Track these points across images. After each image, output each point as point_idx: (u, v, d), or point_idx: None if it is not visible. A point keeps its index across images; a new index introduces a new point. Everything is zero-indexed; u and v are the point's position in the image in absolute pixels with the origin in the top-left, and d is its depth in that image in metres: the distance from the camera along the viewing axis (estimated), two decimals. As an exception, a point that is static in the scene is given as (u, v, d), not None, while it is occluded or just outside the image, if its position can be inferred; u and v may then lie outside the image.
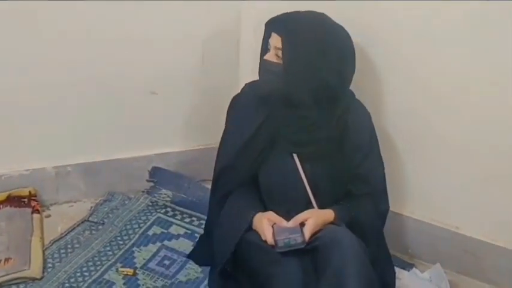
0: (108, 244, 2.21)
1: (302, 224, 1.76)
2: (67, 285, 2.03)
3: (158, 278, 2.08)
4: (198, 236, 2.24)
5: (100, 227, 2.29)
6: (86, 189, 2.43)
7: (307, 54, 1.74)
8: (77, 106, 2.31)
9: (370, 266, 1.67)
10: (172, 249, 2.20)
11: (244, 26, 2.37)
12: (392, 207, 2.00)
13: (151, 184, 2.49)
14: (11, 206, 2.31)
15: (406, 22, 2.00)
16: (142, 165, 2.48)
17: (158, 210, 2.38)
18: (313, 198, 1.87)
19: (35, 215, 2.29)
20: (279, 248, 1.71)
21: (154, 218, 2.35)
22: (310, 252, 1.71)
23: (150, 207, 2.40)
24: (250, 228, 1.82)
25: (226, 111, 2.00)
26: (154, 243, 2.23)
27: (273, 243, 1.73)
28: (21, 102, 2.24)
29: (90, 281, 2.05)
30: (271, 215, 1.82)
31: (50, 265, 2.11)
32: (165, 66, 2.35)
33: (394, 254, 2.06)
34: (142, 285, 2.05)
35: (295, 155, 1.86)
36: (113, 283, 2.05)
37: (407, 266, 2.17)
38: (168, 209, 2.39)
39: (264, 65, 1.81)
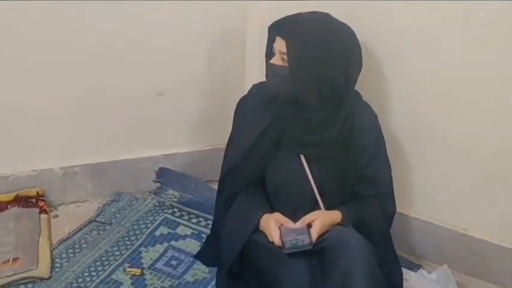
0: (115, 244, 2.21)
1: (309, 225, 1.76)
2: (75, 285, 2.04)
3: (166, 278, 2.08)
4: (205, 236, 2.24)
5: (107, 227, 2.30)
6: (93, 190, 2.44)
7: (312, 57, 1.74)
8: (85, 107, 2.31)
9: (378, 267, 1.67)
10: (179, 250, 2.20)
11: (250, 27, 2.37)
12: (399, 208, 2.00)
13: (158, 185, 2.49)
14: (18, 206, 2.32)
15: (411, 23, 2.00)
16: (149, 165, 2.48)
17: (165, 211, 2.39)
18: (320, 199, 1.87)
19: (43, 215, 2.30)
20: (286, 249, 1.71)
21: (161, 218, 2.35)
22: (317, 253, 1.71)
23: (157, 208, 2.40)
24: (257, 229, 1.82)
25: (232, 112, 2.00)
26: (161, 243, 2.23)
27: (280, 244, 1.73)
28: (29, 103, 2.25)
29: (97, 281, 2.06)
30: (278, 216, 1.82)
31: (57, 265, 2.12)
32: (171, 67, 2.35)
33: (401, 255, 2.05)
34: (150, 285, 2.05)
35: (302, 156, 1.86)
36: (121, 283, 2.05)
37: (414, 267, 2.16)
38: (175, 210, 2.40)
39: (270, 69, 1.81)
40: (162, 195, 2.45)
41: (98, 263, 2.13)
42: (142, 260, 2.15)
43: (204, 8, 2.30)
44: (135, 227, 2.30)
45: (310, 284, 1.65)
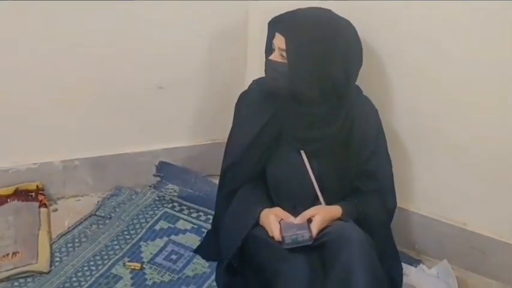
0: (115, 238, 2.21)
1: (309, 220, 1.76)
2: (74, 279, 2.04)
3: (165, 273, 2.08)
4: (205, 231, 2.24)
5: (107, 221, 2.30)
6: (93, 184, 2.44)
7: (312, 54, 1.73)
8: (85, 101, 2.31)
9: (378, 262, 1.67)
10: (179, 244, 2.20)
11: (252, 22, 2.36)
12: (400, 203, 2.00)
13: (158, 179, 2.49)
14: (18, 200, 2.32)
15: (412, 19, 1.99)
16: (150, 160, 2.48)
17: (165, 205, 2.39)
18: (320, 194, 1.87)
19: (42, 209, 2.30)
20: (286, 245, 1.71)
21: (161, 212, 2.35)
22: (318, 248, 1.71)
23: (157, 202, 2.40)
24: (257, 223, 1.82)
25: (233, 107, 2.00)
26: (161, 237, 2.23)
27: (280, 239, 1.73)
28: (29, 97, 2.24)
29: (97, 275, 2.06)
30: (278, 210, 1.82)
31: (57, 259, 2.12)
32: (172, 61, 2.35)
33: (401, 250, 2.05)
34: (150, 279, 2.05)
35: (302, 152, 1.86)
36: (120, 277, 2.05)
37: (414, 262, 2.16)
38: (175, 204, 2.40)
39: (269, 65, 1.80)
40: (162, 190, 2.45)
41: (98, 257, 2.13)
42: (142, 255, 2.15)
43: (206, 4, 2.29)
44: (135, 221, 2.30)
45: (310, 279, 1.65)
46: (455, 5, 1.90)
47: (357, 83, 1.88)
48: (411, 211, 2.23)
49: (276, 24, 1.79)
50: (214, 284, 2.03)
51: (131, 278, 2.05)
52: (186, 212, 2.36)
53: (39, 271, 2.05)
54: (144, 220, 2.31)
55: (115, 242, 2.20)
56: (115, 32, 2.23)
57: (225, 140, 2.02)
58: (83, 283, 2.02)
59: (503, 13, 1.84)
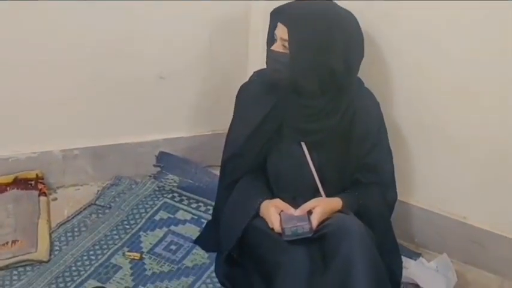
0: (115, 228, 2.21)
1: (309, 212, 1.76)
2: (74, 268, 2.04)
3: (165, 263, 2.08)
4: (204, 221, 2.24)
5: (107, 210, 2.30)
6: (93, 173, 2.44)
7: (314, 44, 1.72)
8: (85, 90, 2.30)
9: (378, 254, 1.67)
10: (179, 235, 2.20)
11: (254, 12, 2.35)
12: (400, 196, 2.00)
13: (158, 169, 2.48)
14: (18, 189, 2.32)
15: (415, 12, 1.98)
16: (150, 150, 2.47)
17: (165, 195, 2.38)
18: (320, 186, 1.87)
19: (42, 198, 2.29)
20: (286, 237, 1.71)
21: (161, 203, 2.35)
22: (318, 240, 1.71)
23: (156, 192, 2.40)
24: (257, 215, 1.82)
25: (234, 98, 1.99)
26: (161, 228, 2.23)
27: (280, 231, 1.73)
28: (29, 86, 2.23)
29: (96, 264, 2.06)
30: (278, 202, 1.81)
31: (56, 248, 2.12)
32: (173, 51, 2.34)
33: (400, 243, 2.05)
34: (149, 269, 2.05)
35: (303, 143, 1.86)
36: (120, 267, 2.05)
37: (414, 255, 2.16)
38: (175, 194, 2.39)
39: (271, 55, 1.79)
40: (162, 180, 2.45)
41: (97, 247, 2.13)
42: (142, 245, 2.15)
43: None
44: (135, 211, 2.30)
45: (310, 271, 1.65)
46: (458, 2, 1.89)
47: (359, 75, 1.87)
48: (411, 204, 2.23)
49: (278, 15, 1.78)
50: (214, 274, 2.03)
51: (131, 268, 2.05)
52: (185, 202, 2.36)
53: (39, 260, 2.05)
54: (143, 210, 2.31)
55: (114, 232, 2.20)
56: (116, 22, 2.22)
57: (226, 131, 2.02)
58: (82, 272, 2.03)
59: (503, 13, 1.83)
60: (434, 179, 2.18)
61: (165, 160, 2.49)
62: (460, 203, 2.16)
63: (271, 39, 1.82)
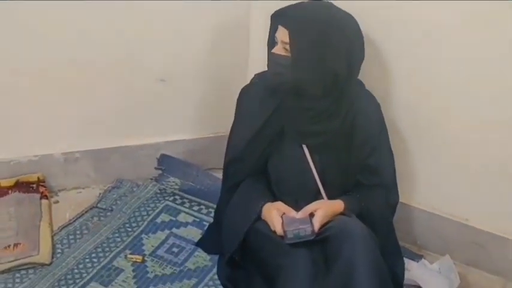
0: (116, 231, 2.21)
1: (311, 215, 1.76)
2: (76, 271, 2.04)
3: (167, 266, 2.08)
4: (206, 224, 2.24)
5: (108, 213, 2.30)
6: (94, 176, 2.44)
7: (315, 47, 1.72)
8: (87, 93, 2.30)
9: (381, 256, 1.67)
10: (180, 237, 2.20)
11: (254, 14, 2.35)
12: (402, 198, 2.00)
13: (160, 172, 2.48)
14: (19, 192, 2.32)
15: (415, 13, 1.98)
16: (151, 152, 2.47)
17: (166, 198, 2.38)
18: (322, 189, 1.87)
19: (44, 201, 2.29)
20: (288, 240, 1.70)
21: (162, 205, 2.35)
22: (320, 243, 1.71)
23: (158, 195, 2.40)
24: (259, 218, 1.82)
25: (235, 100, 1.99)
26: (162, 230, 2.23)
27: (282, 233, 1.73)
28: (31, 88, 2.23)
29: (99, 267, 2.06)
30: (280, 205, 1.81)
31: (58, 251, 2.12)
32: (174, 53, 2.34)
33: (403, 245, 2.05)
34: (151, 272, 2.05)
35: (304, 146, 1.86)
36: (122, 270, 2.05)
37: (416, 257, 2.16)
38: (177, 197, 2.39)
39: (272, 58, 1.79)
40: (163, 182, 2.45)
41: (99, 250, 2.13)
42: (144, 247, 2.15)
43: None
44: (137, 213, 2.30)
45: (312, 274, 1.65)
46: (457, 2, 1.89)
47: (359, 77, 1.87)
48: (413, 206, 2.23)
49: (279, 17, 1.78)
50: (216, 277, 2.03)
51: (133, 271, 2.05)
52: (187, 205, 2.36)
53: (41, 263, 2.05)
54: (145, 213, 2.31)
55: (116, 235, 2.20)
56: (117, 25, 2.22)
57: (227, 134, 2.02)
58: (84, 275, 2.03)
59: (504, 11, 1.83)
60: (436, 181, 2.18)
61: (166, 163, 2.49)
62: (462, 205, 2.16)
63: (272, 42, 1.82)
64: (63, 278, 2.01)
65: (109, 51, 2.25)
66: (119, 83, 2.32)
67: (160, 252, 2.14)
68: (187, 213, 2.32)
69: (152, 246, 2.16)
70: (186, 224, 2.27)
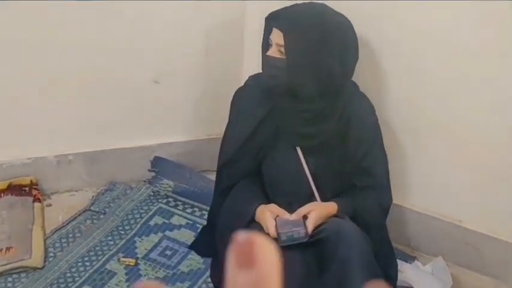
0: (109, 234, 2.21)
1: (305, 217, 1.76)
2: (68, 274, 2.04)
3: (160, 269, 2.08)
4: (199, 226, 2.24)
5: (101, 216, 2.29)
6: (87, 179, 2.43)
7: (310, 48, 1.72)
8: (80, 95, 2.30)
9: (374, 258, 1.67)
10: (174, 240, 2.20)
11: (249, 15, 2.35)
12: (395, 200, 2.00)
13: (153, 174, 2.48)
14: (12, 195, 2.31)
15: (409, 14, 1.99)
16: (144, 155, 2.47)
17: (160, 200, 2.38)
18: (316, 191, 1.87)
19: (36, 204, 2.28)
20: (281, 242, 1.70)
21: (156, 208, 2.34)
22: (313, 245, 1.71)
23: (151, 197, 2.39)
24: (253, 220, 1.82)
25: (229, 102, 1.98)
26: (156, 233, 2.22)
27: (275, 236, 1.72)
28: (23, 91, 2.22)
29: (91, 270, 2.05)
30: (274, 207, 1.81)
31: (51, 254, 2.11)
32: (168, 55, 2.33)
33: (396, 247, 2.05)
34: (144, 275, 2.05)
35: (298, 148, 1.85)
36: (115, 273, 2.05)
37: (409, 259, 2.17)
38: (170, 199, 2.39)
39: (267, 61, 1.79)
40: (157, 185, 2.44)
41: (92, 253, 2.12)
42: (137, 250, 2.15)
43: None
44: (130, 216, 2.29)
45: (306, 276, 1.65)
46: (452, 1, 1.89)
47: (354, 79, 1.87)
48: (406, 208, 2.23)
49: (273, 20, 1.78)
50: (209, 280, 2.02)
51: (126, 274, 2.05)
52: (180, 207, 2.36)
53: (33, 267, 2.04)
54: (138, 215, 2.30)
55: (109, 238, 2.19)
56: (110, 26, 2.21)
57: (221, 136, 2.01)
58: (77, 279, 2.02)
59: (500, 9, 1.83)
60: (429, 182, 2.18)
61: (159, 165, 2.48)
62: (455, 206, 2.16)
63: (266, 45, 1.82)
64: (55, 281, 2.00)
65: (102, 54, 2.24)
66: (113, 85, 2.32)
67: (153, 255, 2.13)
68: (180, 215, 2.32)
69: (145, 249, 2.16)
70: (179, 227, 2.26)
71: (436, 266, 2.12)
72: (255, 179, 1.92)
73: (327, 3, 1.82)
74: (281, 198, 1.86)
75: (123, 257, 2.11)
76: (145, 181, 2.47)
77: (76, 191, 2.43)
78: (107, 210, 2.31)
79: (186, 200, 2.39)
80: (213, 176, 2.07)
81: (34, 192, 2.32)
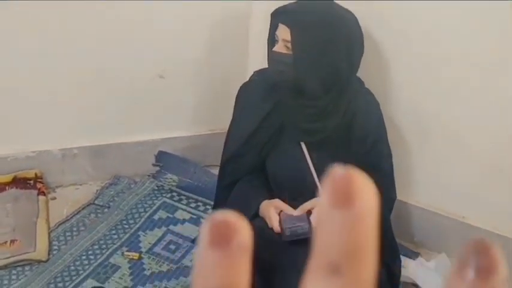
0: (113, 228, 2.21)
1: (309, 212, 1.76)
2: (72, 268, 2.04)
3: (164, 263, 2.08)
4: (203, 221, 2.24)
5: (106, 210, 2.29)
6: (92, 172, 2.43)
7: (317, 44, 1.72)
8: (85, 89, 2.30)
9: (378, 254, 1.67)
10: (177, 234, 2.20)
11: (255, 11, 2.35)
12: (399, 196, 1.99)
13: (157, 168, 2.48)
14: (16, 188, 2.31)
15: (415, 10, 1.98)
16: (149, 149, 2.47)
17: (164, 195, 2.38)
18: (320, 186, 1.86)
19: (41, 197, 2.29)
20: (285, 237, 1.70)
21: (160, 202, 2.35)
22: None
23: (155, 192, 2.39)
24: (256, 215, 1.82)
25: (233, 97, 1.98)
26: (160, 227, 2.23)
27: (279, 231, 1.72)
28: (29, 85, 2.23)
29: (95, 264, 2.06)
30: (278, 202, 1.81)
31: (55, 247, 2.12)
32: (173, 50, 2.33)
33: (399, 243, 2.05)
34: (148, 269, 2.05)
35: (302, 143, 1.85)
36: (119, 267, 2.05)
37: (413, 255, 2.17)
38: (174, 194, 2.39)
39: (273, 57, 1.79)
40: (161, 179, 2.44)
41: (96, 247, 2.13)
42: (141, 244, 2.15)
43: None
44: (134, 210, 2.30)
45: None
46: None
47: (359, 75, 1.87)
48: (410, 204, 2.23)
49: (280, 15, 1.77)
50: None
51: (129, 268, 2.05)
52: (184, 202, 2.36)
53: (37, 259, 2.05)
54: (142, 210, 2.30)
55: (113, 231, 2.19)
56: (115, 21, 2.21)
57: (225, 131, 2.01)
58: (81, 272, 2.02)
59: (505, 8, 1.83)
60: (433, 178, 2.18)
61: (164, 159, 2.48)
62: (459, 203, 2.16)
63: (272, 40, 1.81)
64: (59, 275, 2.01)
65: (107, 48, 2.24)
66: (118, 80, 2.32)
67: (157, 249, 2.14)
68: (184, 210, 2.32)
69: (149, 243, 2.16)
70: (183, 221, 2.27)
71: (439, 262, 2.11)
72: (259, 174, 1.92)
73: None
74: (285, 194, 1.86)
75: (127, 250, 2.12)
76: (149, 175, 2.47)
77: (80, 184, 2.43)
78: (111, 204, 2.32)
79: (190, 195, 2.39)
80: (217, 171, 2.06)
81: (39, 185, 2.32)
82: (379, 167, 1.90)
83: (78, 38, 2.20)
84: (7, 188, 2.31)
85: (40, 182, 2.34)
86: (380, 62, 2.08)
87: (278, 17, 1.77)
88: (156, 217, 2.27)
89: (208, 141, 2.48)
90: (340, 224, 0.31)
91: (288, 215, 1.75)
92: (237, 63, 2.41)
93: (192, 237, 2.18)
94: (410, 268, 2.07)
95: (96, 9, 2.18)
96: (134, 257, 2.09)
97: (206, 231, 0.31)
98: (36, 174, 2.35)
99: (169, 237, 2.19)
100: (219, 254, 0.31)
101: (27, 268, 2.03)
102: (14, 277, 2.00)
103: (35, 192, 2.30)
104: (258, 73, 1.95)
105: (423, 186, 2.21)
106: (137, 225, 2.23)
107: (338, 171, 0.33)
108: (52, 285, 1.97)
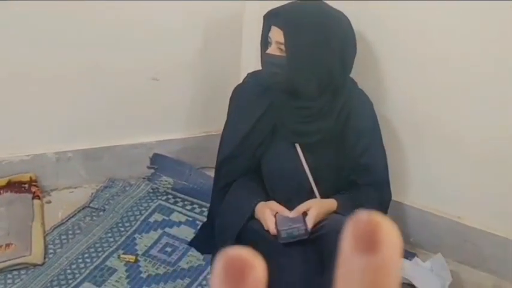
0: (109, 230, 2.21)
1: (305, 214, 1.76)
2: (68, 271, 2.03)
3: (160, 265, 2.08)
4: (199, 223, 2.24)
5: (101, 213, 2.29)
6: (86, 175, 2.43)
7: (310, 46, 1.72)
8: (79, 92, 2.29)
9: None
10: (173, 237, 2.20)
11: (247, 14, 2.35)
12: (394, 197, 2.00)
13: (152, 171, 2.48)
14: (11, 192, 2.30)
15: (409, 11, 1.99)
16: (143, 151, 2.47)
17: (159, 197, 2.38)
18: (315, 187, 1.87)
19: (36, 201, 2.28)
20: (281, 239, 1.70)
21: (155, 205, 2.34)
22: (314, 242, 1.71)
23: (151, 194, 2.39)
24: (252, 217, 1.82)
25: (227, 99, 1.98)
26: (155, 230, 2.23)
27: (275, 233, 1.72)
28: (22, 88, 2.22)
29: (91, 267, 2.05)
30: (273, 204, 1.81)
31: (51, 251, 2.11)
32: (166, 52, 2.33)
33: (395, 243, 2.05)
34: (145, 272, 2.05)
35: (297, 145, 1.86)
36: (115, 270, 2.05)
37: (409, 255, 2.17)
38: (169, 196, 2.39)
39: (267, 59, 1.79)
40: (156, 182, 2.44)
41: (92, 250, 2.12)
42: (137, 247, 2.15)
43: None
44: (129, 213, 2.29)
45: (306, 272, 1.65)
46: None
47: (352, 75, 1.87)
48: (406, 204, 2.23)
49: (272, 18, 1.78)
50: (210, 276, 2.02)
51: (126, 271, 2.05)
52: (180, 204, 2.36)
53: (33, 263, 2.04)
54: (138, 212, 2.30)
55: (109, 234, 2.19)
56: (109, 23, 2.21)
57: (220, 133, 2.01)
58: (77, 275, 2.02)
59: (500, 7, 1.83)
60: (428, 179, 2.18)
61: (159, 162, 2.48)
62: (454, 203, 2.16)
63: (265, 42, 1.81)
64: (55, 278, 2.00)
65: (100, 51, 2.24)
66: (112, 83, 2.31)
67: (153, 252, 2.13)
68: (180, 212, 2.32)
69: (145, 246, 2.16)
70: (179, 224, 2.26)
71: (435, 262, 2.12)
72: (254, 176, 1.92)
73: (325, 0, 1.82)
74: (280, 195, 1.86)
75: (123, 253, 2.11)
76: (144, 178, 2.47)
77: (75, 187, 2.43)
78: (106, 207, 2.31)
79: (186, 197, 2.39)
80: (212, 173, 2.07)
81: (33, 189, 2.32)
82: (374, 167, 1.90)
83: (72, 42, 2.19)
84: (2, 191, 2.30)
85: (35, 185, 2.33)
86: (374, 62, 2.08)
87: (271, 19, 1.77)
88: (151, 220, 2.27)
89: (203, 143, 2.48)
90: (363, 268, 0.31)
91: (284, 217, 1.75)
92: (230, 66, 2.41)
93: (188, 240, 2.17)
94: (406, 268, 2.07)
95: (89, 12, 2.17)
96: (130, 260, 2.09)
97: (221, 267, 0.31)
98: (30, 177, 2.34)
99: (165, 239, 2.19)
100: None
101: (23, 272, 2.02)
102: (9, 281, 1.99)
103: (30, 196, 2.30)
104: (252, 75, 1.95)
105: (419, 186, 2.21)
106: (133, 228, 2.23)
107: (363, 216, 0.34)
108: (48, 289, 1.97)
